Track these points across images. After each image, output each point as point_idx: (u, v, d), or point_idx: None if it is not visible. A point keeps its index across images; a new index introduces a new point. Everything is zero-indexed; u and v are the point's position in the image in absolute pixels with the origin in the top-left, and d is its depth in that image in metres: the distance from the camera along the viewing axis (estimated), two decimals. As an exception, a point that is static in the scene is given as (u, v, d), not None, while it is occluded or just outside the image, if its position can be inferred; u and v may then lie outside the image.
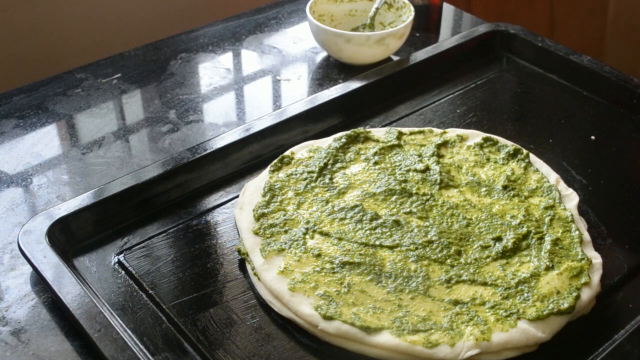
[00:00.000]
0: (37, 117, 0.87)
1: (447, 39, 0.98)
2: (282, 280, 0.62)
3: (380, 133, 0.80)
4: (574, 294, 0.60)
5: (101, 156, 0.81)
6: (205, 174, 0.76)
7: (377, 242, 0.66)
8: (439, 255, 0.65)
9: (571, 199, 0.71)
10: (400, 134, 0.79)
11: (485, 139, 0.78)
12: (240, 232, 0.68)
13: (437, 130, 0.80)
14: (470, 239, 0.67)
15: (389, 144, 0.77)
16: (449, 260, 0.64)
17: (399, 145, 0.78)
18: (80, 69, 0.96)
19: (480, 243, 0.66)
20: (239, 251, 0.67)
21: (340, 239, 0.66)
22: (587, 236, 0.67)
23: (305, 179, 0.73)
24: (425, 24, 1.08)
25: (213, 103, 0.91)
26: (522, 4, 1.80)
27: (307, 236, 0.66)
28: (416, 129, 0.81)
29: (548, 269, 0.63)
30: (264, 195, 0.71)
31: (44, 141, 0.84)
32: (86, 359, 0.58)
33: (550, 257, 0.64)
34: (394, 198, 0.71)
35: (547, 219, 0.68)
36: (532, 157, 0.77)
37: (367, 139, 0.79)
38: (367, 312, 0.59)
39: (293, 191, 0.72)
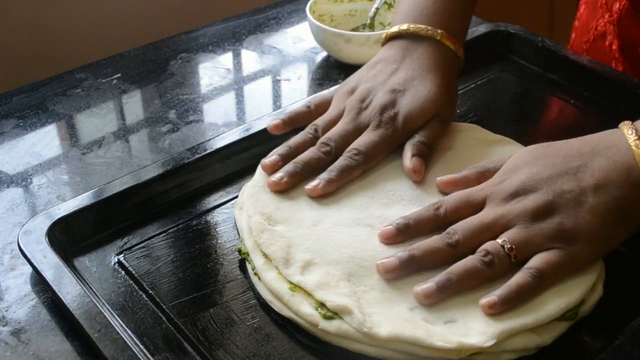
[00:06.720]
0: (37, 117, 0.87)
1: (447, 39, 0.97)
2: (283, 280, 0.62)
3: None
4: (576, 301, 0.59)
5: (101, 156, 0.81)
6: (205, 174, 0.75)
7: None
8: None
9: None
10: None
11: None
12: (240, 232, 0.68)
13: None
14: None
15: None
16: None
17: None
18: (80, 69, 0.96)
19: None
20: (239, 251, 0.67)
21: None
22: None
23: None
24: (425, 24, 1.07)
25: (213, 103, 0.91)
26: (522, 4, 1.80)
27: (307, 236, 0.66)
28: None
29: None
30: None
31: (44, 141, 0.84)
32: (86, 359, 0.59)
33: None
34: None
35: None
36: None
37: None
38: (367, 312, 0.59)
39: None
